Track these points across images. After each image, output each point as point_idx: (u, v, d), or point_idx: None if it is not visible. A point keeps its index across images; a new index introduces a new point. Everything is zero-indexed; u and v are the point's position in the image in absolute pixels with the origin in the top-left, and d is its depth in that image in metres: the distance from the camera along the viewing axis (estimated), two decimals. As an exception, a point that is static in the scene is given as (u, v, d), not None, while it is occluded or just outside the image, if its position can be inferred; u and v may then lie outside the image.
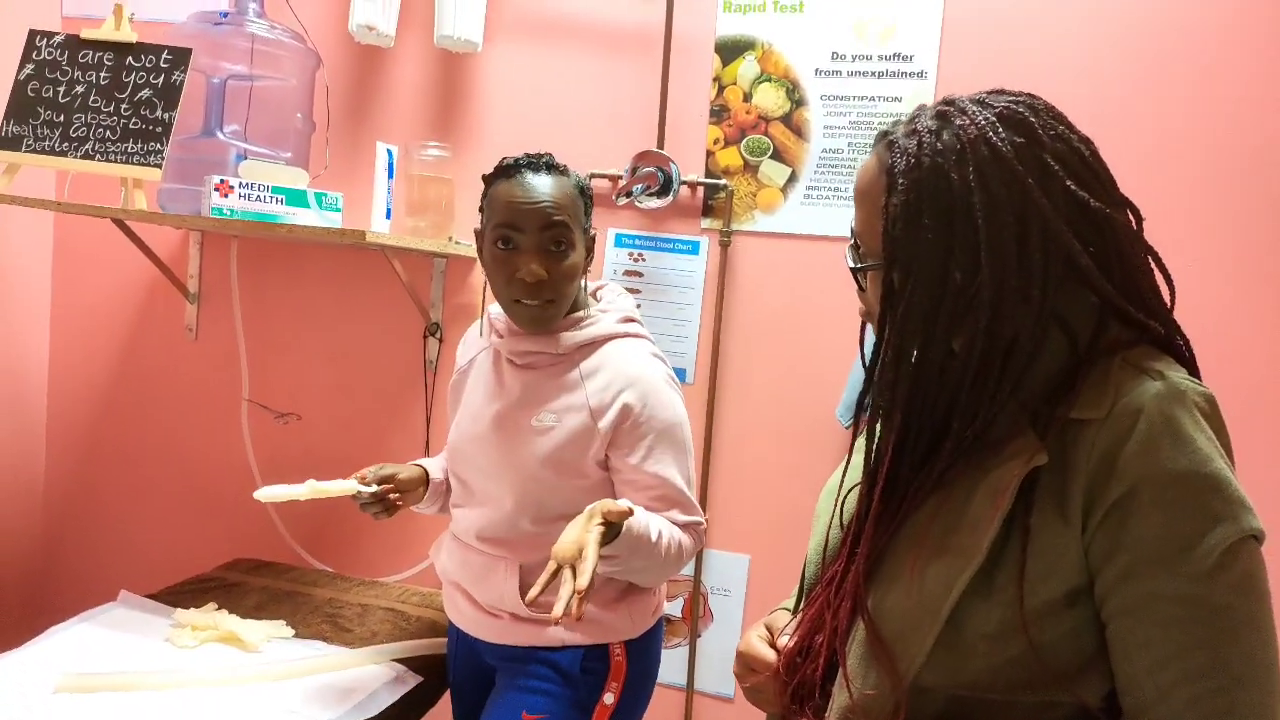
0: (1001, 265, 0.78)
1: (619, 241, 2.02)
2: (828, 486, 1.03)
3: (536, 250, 1.34)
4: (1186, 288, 1.69)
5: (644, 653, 1.49)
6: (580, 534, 1.13)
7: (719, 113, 1.95)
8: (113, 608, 1.75)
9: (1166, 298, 0.86)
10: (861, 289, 0.90)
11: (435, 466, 1.58)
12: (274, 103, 2.02)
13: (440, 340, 2.13)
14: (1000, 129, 0.80)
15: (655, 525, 1.30)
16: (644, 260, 2.01)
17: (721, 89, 1.95)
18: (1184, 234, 1.72)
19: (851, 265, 0.89)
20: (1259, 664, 0.73)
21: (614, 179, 1.99)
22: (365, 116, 2.16)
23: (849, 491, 0.96)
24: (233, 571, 2.04)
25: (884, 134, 0.86)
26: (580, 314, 1.42)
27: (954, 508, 0.82)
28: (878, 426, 0.89)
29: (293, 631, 1.71)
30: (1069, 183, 0.80)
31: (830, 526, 0.98)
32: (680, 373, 1.97)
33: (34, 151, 1.85)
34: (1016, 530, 0.79)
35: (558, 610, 1.03)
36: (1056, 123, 0.82)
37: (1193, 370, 0.84)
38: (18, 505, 2.39)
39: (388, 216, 1.96)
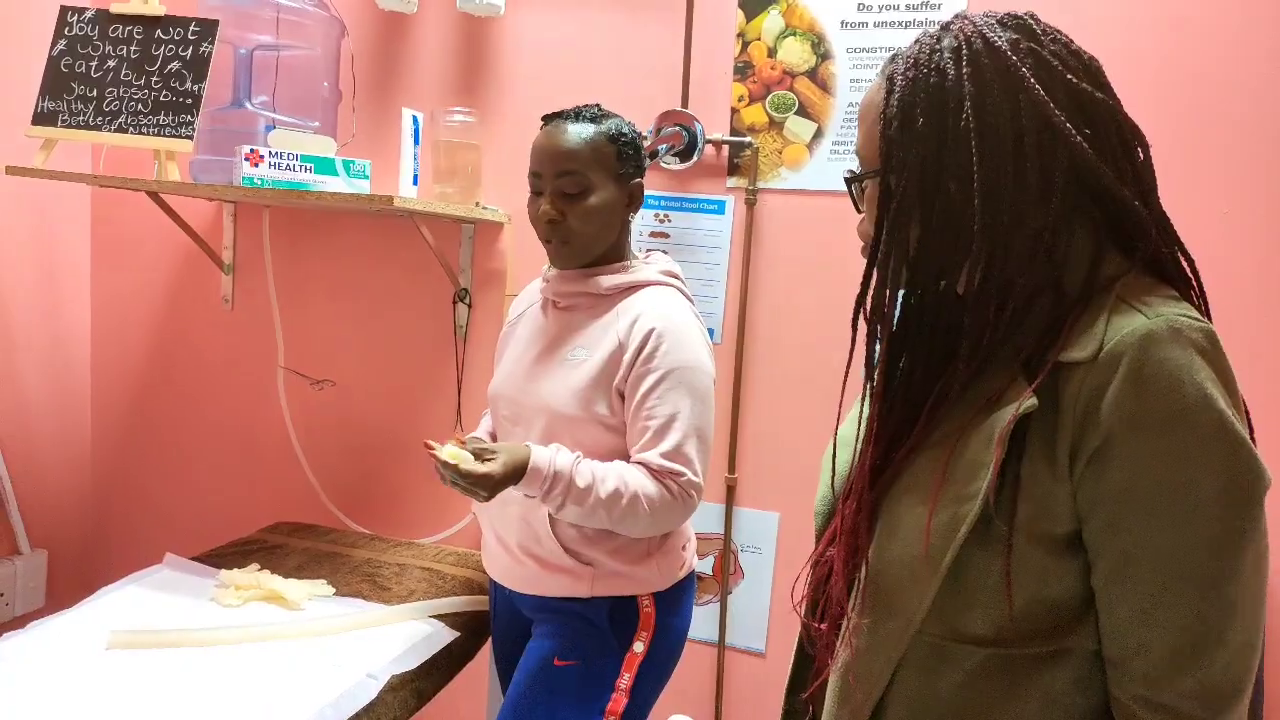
0: (995, 166, 0.76)
1: (644, 203, 2.00)
2: (831, 442, 1.01)
3: (551, 193, 1.43)
4: (1218, 239, 1.66)
5: (673, 604, 1.52)
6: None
7: (743, 69, 1.93)
8: (159, 569, 1.81)
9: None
10: (859, 210, 0.89)
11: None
12: (301, 72, 2.04)
13: (470, 306, 2.15)
14: (998, 28, 0.80)
15: (596, 471, 1.34)
16: (670, 221, 2.00)
17: (745, 45, 1.92)
18: (1221, 189, 1.68)
19: (847, 178, 0.88)
20: (1241, 616, 0.71)
21: (639, 140, 1.98)
22: (391, 84, 2.17)
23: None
24: (274, 534, 2.09)
25: (892, 54, 0.85)
26: (624, 263, 1.50)
27: (950, 456, 0.80)
28: (876, 346, 0.87)
29: (333, 590, 1.76)
30: (1069, 75, 0.78)
31: (835, 477, 0.97)
32: (709, 333, 1.97)
33: (69, 126, 1.88)
34: (1010, 478, 0.77)
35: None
36: (1059, 34, 0.81)
37: (1193, 294, 0.81)
38: (67, 475, 2.47)
39: (415, 183, 1.97)
